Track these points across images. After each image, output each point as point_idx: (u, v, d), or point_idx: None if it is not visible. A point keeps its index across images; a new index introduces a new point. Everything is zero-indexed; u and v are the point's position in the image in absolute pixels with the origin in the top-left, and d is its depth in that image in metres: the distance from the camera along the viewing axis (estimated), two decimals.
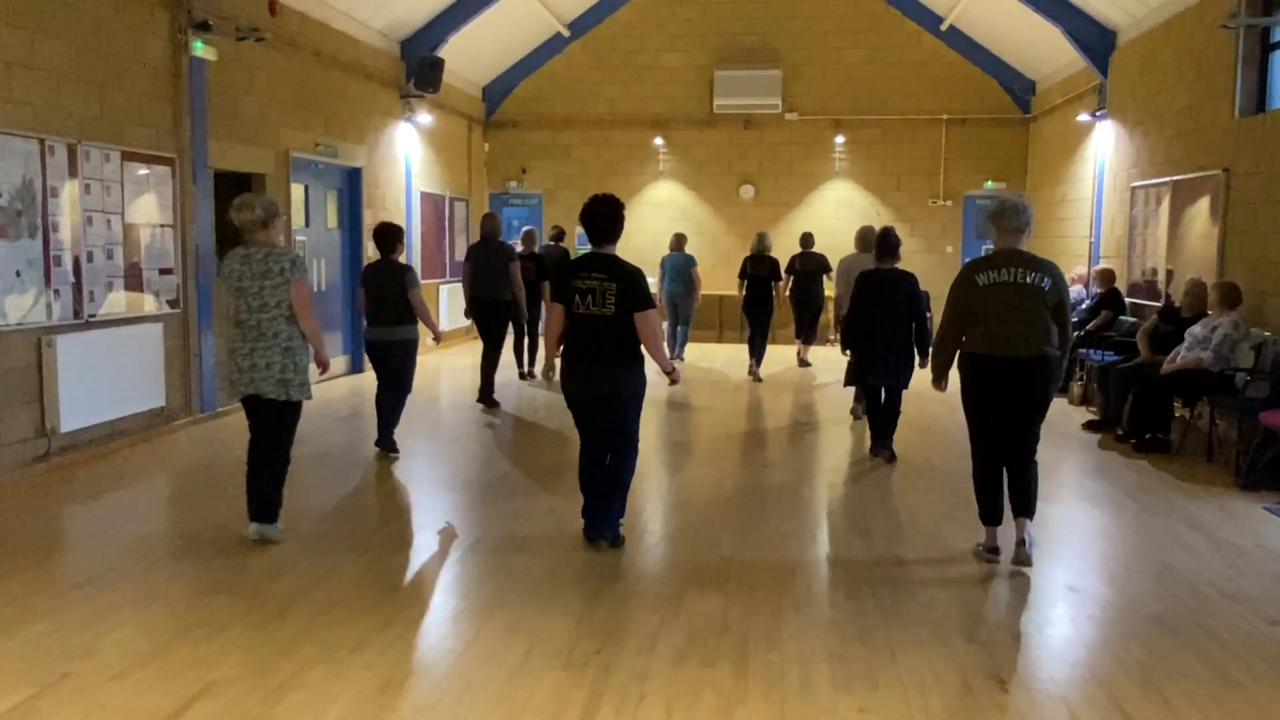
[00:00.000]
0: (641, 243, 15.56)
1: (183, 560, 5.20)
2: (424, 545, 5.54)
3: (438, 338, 7.97)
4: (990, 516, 5.37)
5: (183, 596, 4.66)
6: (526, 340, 11.90)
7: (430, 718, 3.52)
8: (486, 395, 9.90)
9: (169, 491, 6.75)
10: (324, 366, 5.60)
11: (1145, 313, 10.43)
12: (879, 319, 7.64)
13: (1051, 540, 5.70)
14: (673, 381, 5.56)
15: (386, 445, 7.62)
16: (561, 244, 12.83)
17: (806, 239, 12.95)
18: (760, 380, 11.89)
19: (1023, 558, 5.23)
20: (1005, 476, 5.33)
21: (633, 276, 5.21)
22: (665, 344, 5.82)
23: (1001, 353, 5.10)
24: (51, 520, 5.98)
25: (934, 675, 3.88)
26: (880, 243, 7.89)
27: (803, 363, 13.11)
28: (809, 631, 4.31)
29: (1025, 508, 5.29)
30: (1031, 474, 5.28)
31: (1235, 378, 7.66)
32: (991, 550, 5.34)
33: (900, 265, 7.85)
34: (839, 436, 8.77)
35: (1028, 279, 5.09)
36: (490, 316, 9.84)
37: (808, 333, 12.86)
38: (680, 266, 13.14)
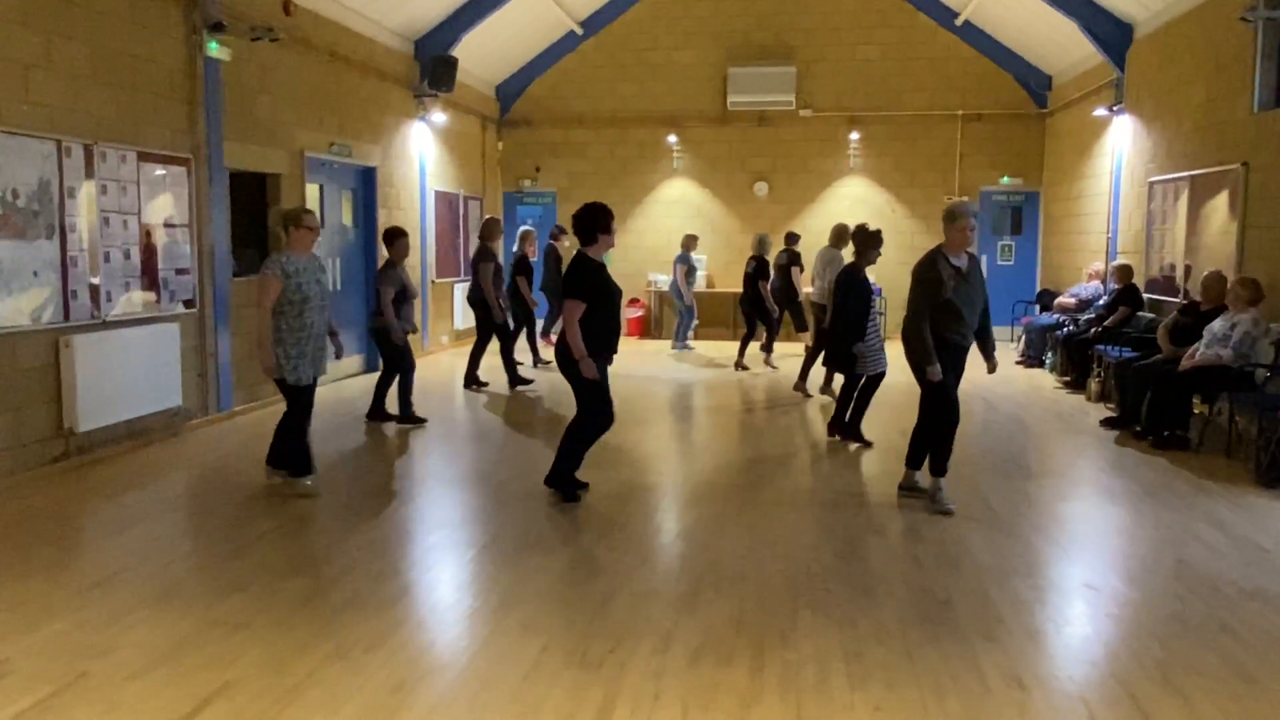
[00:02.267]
0: (655, 241, 15.56)
1: (199, 560, 5.23)
2: (438, 544, 5.55)
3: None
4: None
5: (199, 596, 4.68)
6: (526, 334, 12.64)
7: (445, 716, 3.52)
8: (510, 376, 10.97)
9: (186, 491, 6.77)
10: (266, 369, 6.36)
11: (1163, 308, 10.35)
12: (870, 315, 8.16)
13: (1069, 538, 5.67)
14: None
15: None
16: (555, 243, 13.41)
17: (791, 238, 13.35)
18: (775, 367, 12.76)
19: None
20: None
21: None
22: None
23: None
24: (69, 519, 6.02)
25: (951, 674, 3.86)
26: (876, 240, 8.29)
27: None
28: (825, 630, 4.29)
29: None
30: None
31: (1255, 374, 7.60)
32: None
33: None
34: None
35: None
36: (475, 312, 10.86)
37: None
38: (674, 264, 14.12)
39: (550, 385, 11.07)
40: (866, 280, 8.16)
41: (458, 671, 3.89)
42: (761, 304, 12.32)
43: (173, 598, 4.63)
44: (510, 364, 10.98)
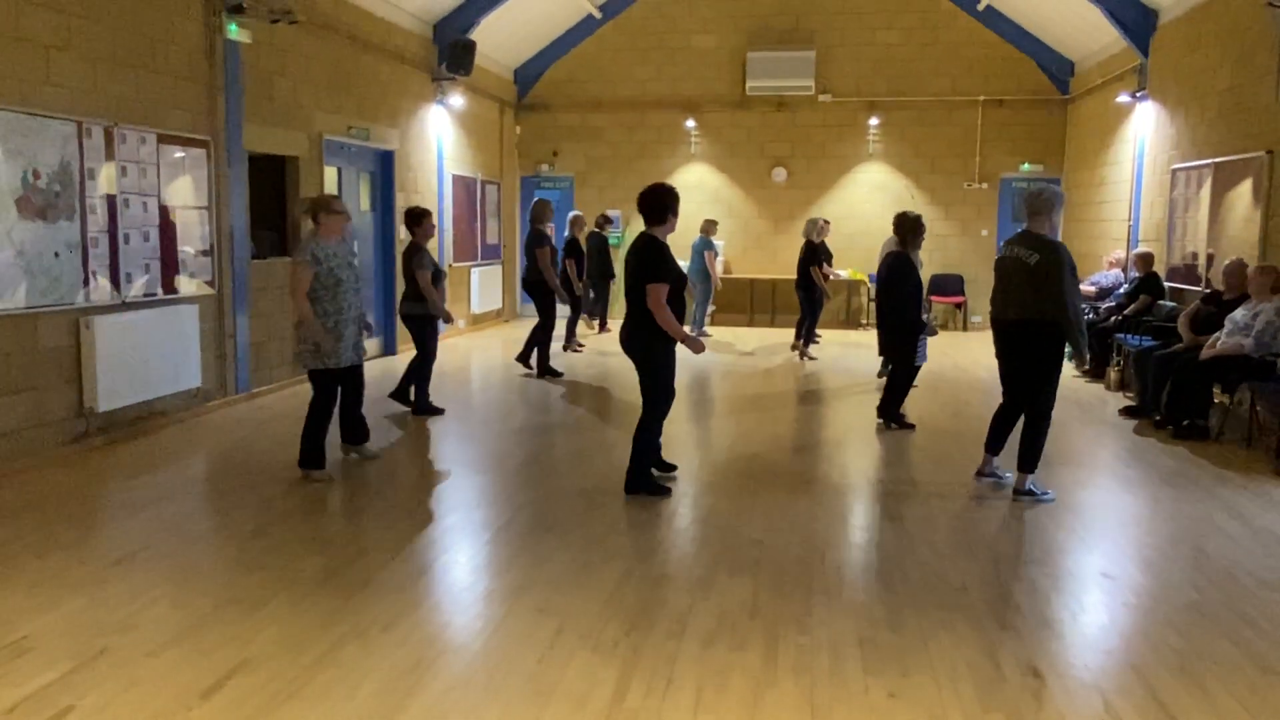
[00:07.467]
0: None
1: (218, 539, 5.27)
2: (455, 526, 5.57)
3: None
4: (989, 446, 6.48)
5: (218, 574, 4.72)
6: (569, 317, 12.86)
7: (460, 697, 3.55)
8: (540, 365, 10.83)
9: (205, 471, 6.82)
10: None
11: (1185, 297, 10.27)
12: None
13: (1086, 527, 5.64)
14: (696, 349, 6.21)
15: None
16: (601, 231, 14.33)
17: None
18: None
19: (1018, 498, 6.15)
20: (1022, 422, 6.22)
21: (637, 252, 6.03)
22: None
23: (995, 316, 6.26)
24: (90, 498, 6.07)
25: (966, 661, 3.86)
26: (921, 227, 8.38)
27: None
28: (839, 616, 4.29)
29: (1021, 462, 6.15)
30: (1034, 432, 6.10)
31: (1276, 364, 7.53)
32: (980, 474, 6.55)
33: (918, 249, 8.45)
34: (862, 415, 8.71)
35: (1021, 255, 5.98)
36: (532, 296, 10.83)
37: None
38: (697, 249, 14.03)
39: (583, 374, 11.09)
40: (916, 268, 8.18)
41: (473, 652, 3.91)
42: (810, 289, 12.08)
43: (192, 576, 4.67)
44: (546, 349, 10.84)
